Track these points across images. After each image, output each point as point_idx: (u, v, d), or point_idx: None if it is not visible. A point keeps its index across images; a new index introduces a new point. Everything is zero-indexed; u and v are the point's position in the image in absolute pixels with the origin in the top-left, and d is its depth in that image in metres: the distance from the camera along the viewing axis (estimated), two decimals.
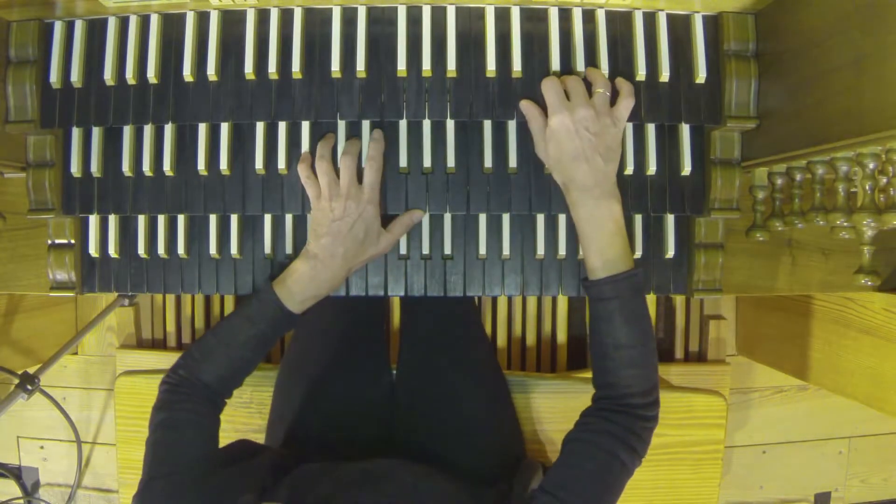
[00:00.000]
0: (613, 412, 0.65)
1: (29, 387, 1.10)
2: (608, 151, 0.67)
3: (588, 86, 0.69)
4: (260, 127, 0.75)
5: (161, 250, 0.78)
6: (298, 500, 0.59)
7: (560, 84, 0.68)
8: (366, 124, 0.75)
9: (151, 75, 0.73)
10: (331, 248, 0.71)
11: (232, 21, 0.74)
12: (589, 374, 0.71)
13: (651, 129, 0.75)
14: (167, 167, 0.75)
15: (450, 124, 0.74)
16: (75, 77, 0.74)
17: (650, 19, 0.73)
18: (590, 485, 0.61)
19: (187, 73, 0.73)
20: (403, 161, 0.74)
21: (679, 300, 1.57)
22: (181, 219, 0.78)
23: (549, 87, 0.68)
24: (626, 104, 0.69)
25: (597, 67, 0.72)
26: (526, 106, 0.71)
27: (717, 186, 0.74)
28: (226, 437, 0.94)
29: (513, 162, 0.74)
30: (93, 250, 0.79)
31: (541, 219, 0.77)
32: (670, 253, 0.78)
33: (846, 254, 0.81)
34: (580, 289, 0.78)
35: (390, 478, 0.64)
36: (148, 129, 0.75)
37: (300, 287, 0.71)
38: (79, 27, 0.74)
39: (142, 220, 0.78)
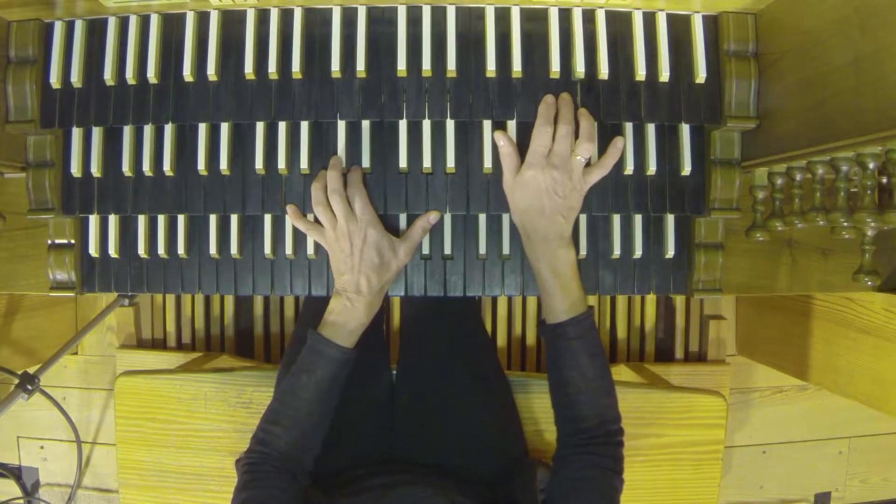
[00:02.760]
0: (594, 445, 0.68)
1: (29, 387, 1.10)
2: (570, 211, 0.70)
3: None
4: (260, 127, 0.75)
5: (161, 250, 0.78)
6: None
7: (550, 136, 0.69)
8: (366, 124, 0.75)
9: (151, 75, 0.73)
10: (354, 283, 0.72)
11: (232, 21, 0.74)
12: None
13: (651, 129, 0.75)
14: (167, 167, 0.75)
15: (450, 124, 0.74)
16: (75, 77, 0.74)
17: (650, 19, 0.73)
18: None
19: (187, 73, 0.73)
20: (403, 161, 0.74)
21: (679, 300, 1.57)
22: (181, 219, 0.78)
23: (538, 136, 0.69)
24: (598, 173, 0.71)
25: (596, 66, 0.72)
26: (503, 143, 0.71)
27: (717, 186, 0.74)
28: (226, 437, 0.95)
29: None
30: (93, 250, 0.79)
31: None
32: (670, 253, 0.78)
33: (846, 254, 0.81)
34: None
35: None
36: (148, 129, 0.75)
37: (343, 320, 0.72)
38: (79, 27, 0.74)
39: (142, 220, 0.78)
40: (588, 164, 0.71)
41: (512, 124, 0.74)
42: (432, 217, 0.75)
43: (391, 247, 0.73)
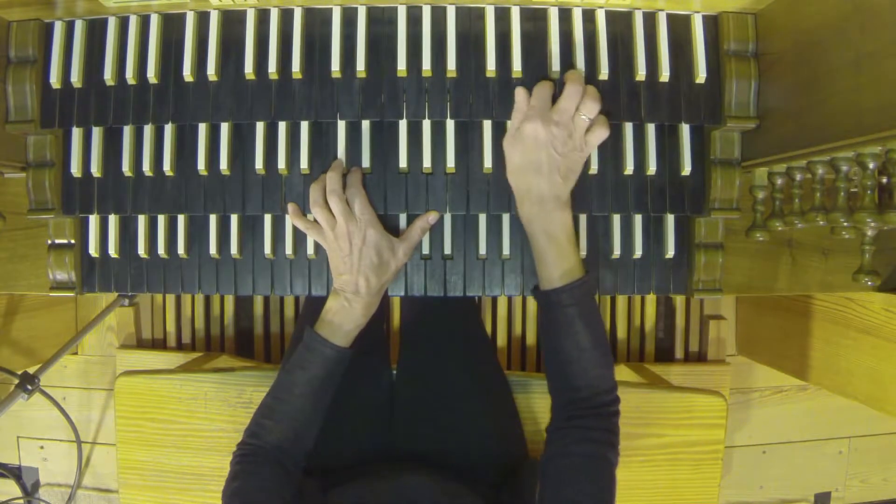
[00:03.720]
0: (587, 418, 0.67)
1: (29, 387, 1.10)
2: (569, 172, 0.69)
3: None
4: (260, 127, 0.75)
5: (161, 250, 0.78)
6: None
7: (551, 91, 0.68)
8: (366, 124, 0.75)
9: (151, 75, 0.73)
10: (353, 283, 0.71)
11: (232, 21, 0.74)
12: None
13: (651, 129, 0.75)
14: (167, 167, 0.75)
15: (450, 124, 0.74)
16: (75, 77, 0.74)
17: (650, 19, 0.73)
18: (597, 494, 0.63)
19: (187, 73, 0.73)
20: (403, 161, 0.74)
21: (679, 300, 1.57)
22: (181, 219, 0.78)
23: (539, 91, 0.68)
24: (601, 133, 0.69)
25: (596, 66, 0.72)
26: (521, 98, 0.70)
27: (717, 186, 0.74)
28: (226, 436, 0.95)
29: None
30: (93, 250, 0.79)
31: None
32: (670, 253, 0.78)
33: (846, 254, 0.81)
34: None
35: (421, 499, 0.65)
36: (148, 129, 0.75)
37: (340, 320, 0.72)
38: (79, 27, 0.74)
39: (142, 220, 0.78)
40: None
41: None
42: (431, 217, 0.75)
43: (390, 247, 0.73)
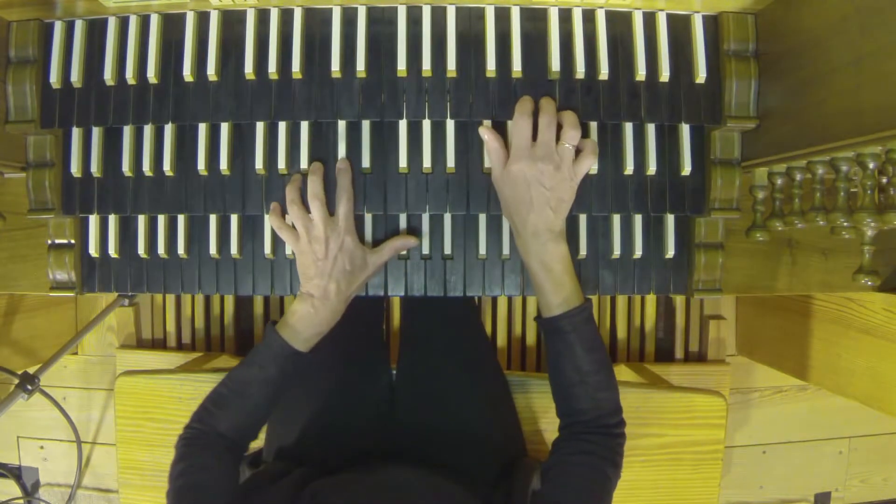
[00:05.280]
0: (591, 434, 0.68)
1: (29, 387, 1.10)
2: (560, 203, 0.69)
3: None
4: (260, 127, 0.75)
5: (161, 250, 0.78)
6: None
7: (529, 127, 0.69)
8: (366, 124, 0.75)
9: (151, 75, 0.73)
10: (323, 288, 0.71)
11: (232, 21, 0.74)
12: None
13: (651, 129, 0.75)
14: (167, 167, 0.75)
15: (450, 124, 0.74)
16: (75, 77, 0.74)
17: (650, 19, 0.73)
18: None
19: (187, 73, 0.73)
20: (403, 161, 0.74)
21: (679, 300, 1.58)
22: (181, 219, 0.78)
23: (518, 129, 0.69)
24: (588, 163, 0.70)
25: (596, 66, 0.72)
26: (489, 139, 0.71)
27: (717, 186, 0.74)
28: None
29: None
30: (93, 250, 0.79)
31: None
32: (670, 253, 0.78)
33: (846, 254, 0.81)
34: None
35: (406, 490, 0.65)
36: (148, 129, 0.75)
37: (303, 325, 0.71)
38: (79, 27, 0.74)
39: (142, 220, 0.78)
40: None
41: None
42: (411, 241, 0.75)
43: (363, 256, 0.73)
